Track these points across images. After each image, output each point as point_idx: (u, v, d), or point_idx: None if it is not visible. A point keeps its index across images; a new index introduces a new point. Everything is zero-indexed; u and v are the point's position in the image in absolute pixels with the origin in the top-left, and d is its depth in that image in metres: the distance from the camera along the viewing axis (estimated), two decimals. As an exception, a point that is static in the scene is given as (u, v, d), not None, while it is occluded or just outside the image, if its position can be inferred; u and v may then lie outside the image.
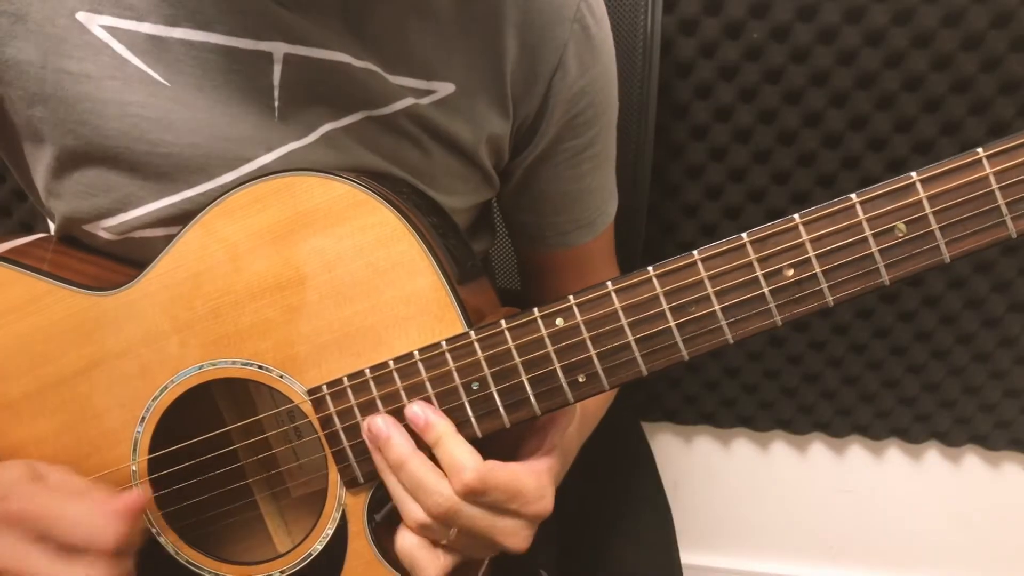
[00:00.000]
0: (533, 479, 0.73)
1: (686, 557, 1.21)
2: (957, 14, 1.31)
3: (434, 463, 0.73)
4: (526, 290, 1.19)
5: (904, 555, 1.93)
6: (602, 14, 0.94)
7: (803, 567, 2.00)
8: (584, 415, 0.98)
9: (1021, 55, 1.33)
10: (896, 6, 1.32)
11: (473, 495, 0.70)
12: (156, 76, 0.79)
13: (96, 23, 0.77)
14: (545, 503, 0.74)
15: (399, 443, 0.73)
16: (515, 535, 0.74)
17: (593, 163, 1.00)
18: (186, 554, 0.85)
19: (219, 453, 0.84)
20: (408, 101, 0.85)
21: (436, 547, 0.74)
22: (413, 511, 0.72)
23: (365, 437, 0.76)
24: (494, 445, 0.76)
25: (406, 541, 0.74)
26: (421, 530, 0.73)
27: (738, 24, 1.37)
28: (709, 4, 1.36)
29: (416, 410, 0.74)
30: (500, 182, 0.99)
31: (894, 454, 1.81)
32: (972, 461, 1.79)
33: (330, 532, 0.80)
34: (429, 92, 0.86)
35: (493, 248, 1.14)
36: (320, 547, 0.81)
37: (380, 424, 0.75)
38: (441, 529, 0.72)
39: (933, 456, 1.80)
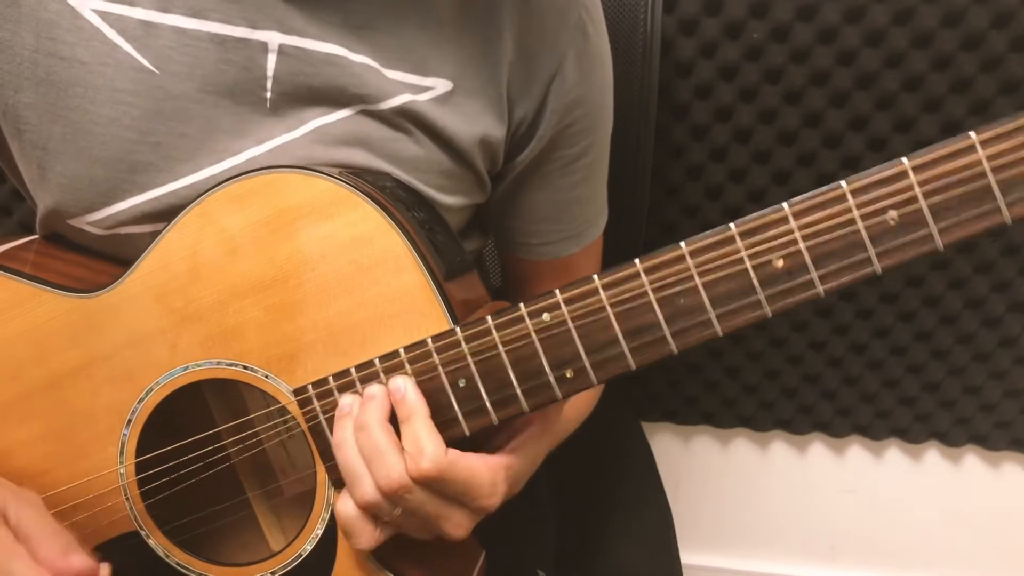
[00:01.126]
0: (488, 475, 0.72)
1: (686, 557, 1.20)
2: (957, 14, 1.31)
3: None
4: (509, 296, 1.17)
5: (904, 555, 1.93)
6: (601, 24, 0.94)
7: (803, 567, 1.99)
8: (559, 426, 0.97)
9: (1021, 55, 1.33)
10: (896, 6, 1.31)
11: (427, 482, 0.69)
12: (145, 63, 0.79)
13: (88, 7, 0.77)
14: (494, 500, 0.73)
15: (375, 407, 0.73)
16: (457, 525, 0.74)
17: (585, 173, 0.99)
18: (176, 556, 0.85)
19: (210, 453, 0.84)
20: (404, 97, 0.85)
21: (376, 519, 0.74)
22: (364, 485, 0.71)
23: (343, 401, 0.75)
24: None
25: (347, 507, 0.73)
26: (367, 506, 0.72)
27: (738, 24, 1.36)
28: (709, 4, 1.36)
29: (399, 383, 0.73)
30: (491, 186, 0.99)
31: (894, 454, 1.81)
32: (972, 461, 1.78)
33: (319, 532, 0.80)
34: (426, 88, 0.86)
35: (487, 246, 1.13)
36: (310, 547, 0.80)
37: (374, 388, 0.74)
38: (386, 506, 0.71)
39: (933, 456, 1.80)
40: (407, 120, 0.86)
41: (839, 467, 1.84)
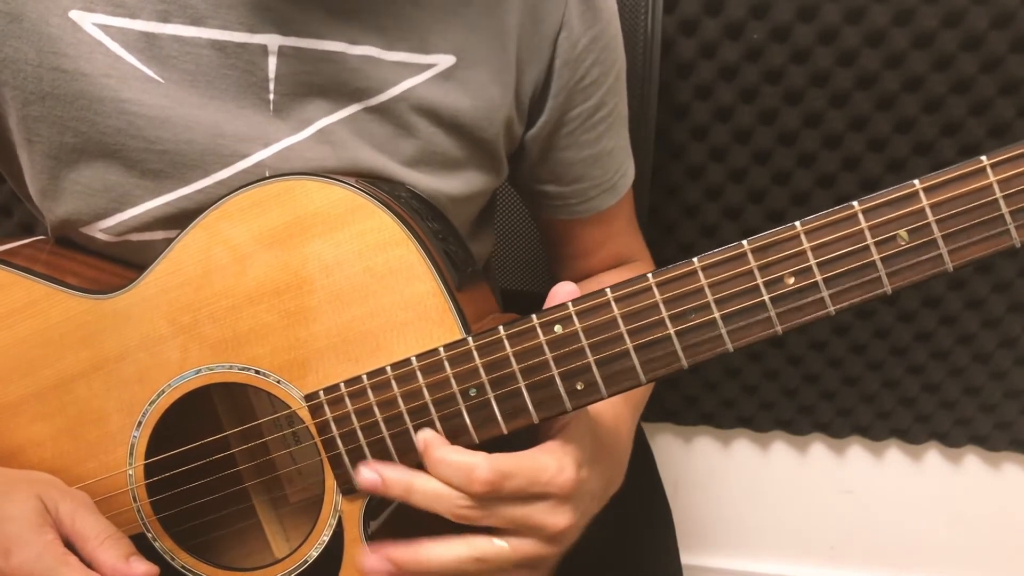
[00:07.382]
0: (546, 455, 0.71)
1: (686, 557, 1.21)
2: (957, 14, 1.31)
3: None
4: (552, 261, 1.18)
5: (904, 556, 1.93)
6: None
7: (803, 567, 1.99)
8: (632, 399, 0.97)
9: (1021, 56, 1.33)
10: (896, 6, 1.32)
11: (494, 489, 0.68)
12: (150, 73, 0.79)
13: (89, 21, 0.78)
14: (567, 472, 0.70)
15: (395, 475, 0.73)
16: (554, 513, 0.71)
17: (607, 123, 1.01)
18: (182, 560, 0.85)
19: (217, 458, 0.84)
20: (406, 84, 0.86)
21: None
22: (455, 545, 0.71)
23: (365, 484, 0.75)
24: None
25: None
26: (475, 562, 0.71)
27: (738, 24, 1.37)
28: (709, 4, 1.36)
29: (426, 434, 0.73)
30: (517, 158, 1.00)
31: (894, 455, 1.81)
32: (972, 462, 1.79)
33: (326, 539, 0.80)
34: (428, 66, 0.86)
35: (493, 251, 1.14)
36: (316, 554, 0.80)
37: (366, 473, 0.74)
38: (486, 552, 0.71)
39: (933, 457, 1.80)
40: (409, 110, 0.86)
41: (839, 467, 1.84)
